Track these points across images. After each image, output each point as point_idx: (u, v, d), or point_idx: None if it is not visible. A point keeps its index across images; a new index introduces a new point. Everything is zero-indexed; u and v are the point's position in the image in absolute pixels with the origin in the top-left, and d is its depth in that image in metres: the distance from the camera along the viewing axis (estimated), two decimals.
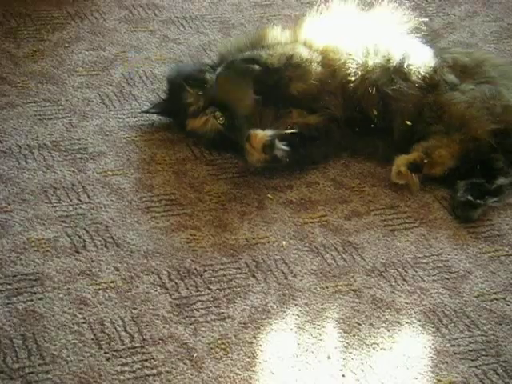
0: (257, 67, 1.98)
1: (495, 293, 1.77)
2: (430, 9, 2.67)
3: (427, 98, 2.03)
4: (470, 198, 1.92)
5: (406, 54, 2.06)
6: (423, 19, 2.18)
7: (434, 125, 2.02)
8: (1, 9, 2.46)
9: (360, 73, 2.02)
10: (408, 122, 2.01)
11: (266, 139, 1.89)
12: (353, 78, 2.02)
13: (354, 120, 2.03)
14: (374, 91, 2.01)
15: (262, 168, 1.97)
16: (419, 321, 1.69)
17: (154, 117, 2.15)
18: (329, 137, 2.02)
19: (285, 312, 1.69)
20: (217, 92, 1.98)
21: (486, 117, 2.00)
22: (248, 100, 1.96)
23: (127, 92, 2.22)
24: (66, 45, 2.37)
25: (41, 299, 1.65)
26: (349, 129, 2.04)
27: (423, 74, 2.03)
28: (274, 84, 1.99)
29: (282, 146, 1.91)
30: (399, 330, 1.67)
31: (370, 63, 2.03)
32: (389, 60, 2.04)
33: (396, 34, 2.11)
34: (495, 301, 1.75)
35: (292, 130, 1.95)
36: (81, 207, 1.87)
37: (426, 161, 1.96)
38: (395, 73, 2.03)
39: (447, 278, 1.79)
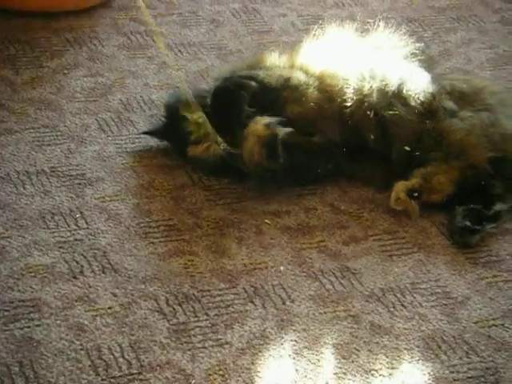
0: (253, 83, 1.99)
1: (494, 319, 1.77)
2: (426, 35, 2.69)
3: (426, 124, 2.04)
4: (468, 223, 1.92)
5: (404, 79, 2.07)
6: (419, 45, 2.20)
7: (432, 151, 2.03)
8: (0, 36, 2.48)
9: (357, 98, 2.03)
10: (407, 148, 2.02)
11: (271, 119, 1.91)
12: (349, 103, 2.03)
13: (351, 145, 2.03)
14: (371, 115, 2.02)
15: (260, 168, 1.94)
16: (418, 347, 1.69)
17: (152, 142, 2.15)
18: (328, 155, 2.02)
19: (283, 338, 1.68)
20: (212, 104, 1.98)
21: (484, 144, 2.01)
22: (243, 113, 1.96)
23: (125, 118, 2.23)
24: (65, 71, 2.38)
25: (38, 325, 1.65)
26: (346, 153, 2.04)
27: (422, 99, 2.04)
28: (270, 104, 2.00)
29: (284, 129, 1.91)
30: (398, 357, 1.67)
31: (368, 88, 2.04)
32: (387, 85, 2.05)
33: (394, 59, 2.12)
34: (494, 327, 1.75)
35: (291, 129, 1.95)
36: (78, 233, 1.87)
37: (424, 187, 1.97)
38: (393, 97, 2.04)
39: (445, 304, 1.79)
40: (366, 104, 2.02)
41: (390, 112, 2.02)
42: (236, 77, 2.03)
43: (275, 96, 2.01)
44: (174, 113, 2.06)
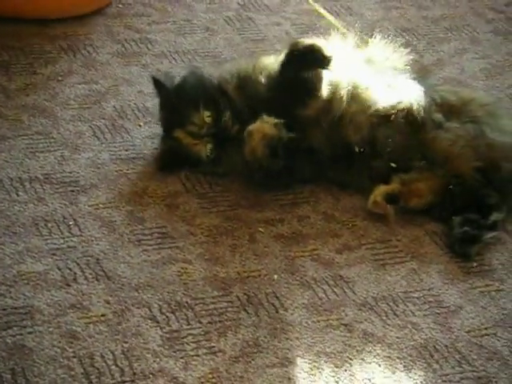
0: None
1: (486, 328, 1.77)
2: (420, 45, 2.70)
3: (413, 137, 2.05)
4: (466, 229, 1.93)
5: (396, 92, 2.07)
6: (414, 56, 2.21)
7: (417, 161, 2.04)
8: None
9: (346, 109, 2.04)
10: (393, 165, 2.04)
11: (276, 120, 1.93)
12: (338, 114, 2.03)
13: (336, 155, 2.04)
14: (360, 129, 2.03)
15: (258, 167, 1.95)
16: (410, 356, 1.69)
17: (146, 150, 2.15)
18: (315, 164, 2.03)
19: (276, 346, 1.68)
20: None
21: (469, 154, 2.02)
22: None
23: (119, 125, 2.23)
24: (59, 78, 2.38)
25: (30, 333, 1.64)
26: (335, 162, 2.05)
27: (413, 114, 2.05)
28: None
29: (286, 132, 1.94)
30: (390, 365, 1.67)
31: (358, 100, 2.04)
32: (378, 97, 2.05)
33: (386, 71, 2.13)
34: (486, 336, 1.75)
35: (293, 134, 1.96)
36: (72, 240, 1.87)
37: (402, 192, 1.98)
38: (384, 111, 2.05)
39: (438, 313, 1.79)
40: (355, 116, 2.03)
41: (379, 129, 2.03)
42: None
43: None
44: (189, 95, 2.04)
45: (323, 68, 2.00)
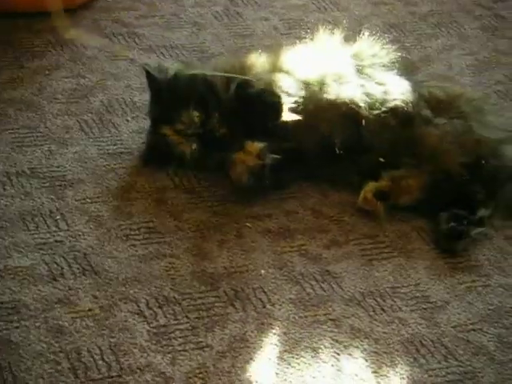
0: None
1: (472, 323, 1.78)
2: (408, 41, 2.70)
3: (401, 133, 2.05)
4: (453, 224, 1.94)
5: (383, 88, 2.08)
6: (401, 53, 2.21)
7: (405, 157, 2.04)
8: None
9: (334, 107, 2.04)
10: (381, 159, 2.04)
11: (262, 146, 1.94)
12: (326, 112, 2.03)
13: (324, 152, 2.04)
14: (347, 126, 2.03)
15: (243, 188, 1.96)
16: (397, 351, 1.70)
17: (134, 145, 2.15)
18: (301, 164, 2.04)
19: (263, 341, 1.68)
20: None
21: (456, 150, 2.03)
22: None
23: (107, 120, 2.22)
24: (46, 72, 2.37)
25: (17, 328, 1.64)
26: (322, 160, 2.05)
27: (401, 109, 2.06)
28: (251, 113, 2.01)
29: (271, 156, 1.95)
30: (377, 360, 1.67)
31: (346, 97, 2.04)
32: (366, 94, 2.06)
33: (374, 68, 2.13)
34: (472, 331, 1.76)
35: (278, 156, 1.97)
36: (59, 235, 1.86)
37: (392, 188, 1.99)
38: (372, 108, 2.05)
39: (425, 308, 1.80)
40: (342, 113, 2.03)
41: (367, 121, 2.03)
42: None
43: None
44: (180, 91, 2.03)
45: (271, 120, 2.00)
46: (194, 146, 2.02)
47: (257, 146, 1.95)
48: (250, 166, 1.94)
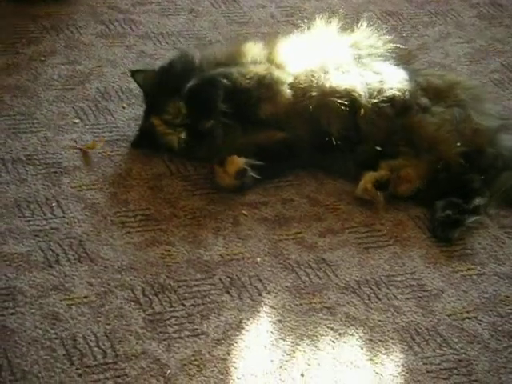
0: (227, 82, 1.99)
1: (467, 311, 1.78)
2: (405, 29, 2.70)
3: (399, 122, 2.05)
4: (449, 212, 1.94)
5: (380, 77, 2.07)
6: (398, 41, 2.21)
7: (403, 146, 2.04)
8: None
9: (331, 95, 2.03)
10: (378, 148, 2.04)
11: (241, 166, 1.95)
12: (322, 101, 2.03)
13: (319, 141, 2.04)
14: (345, 113, 2.02)
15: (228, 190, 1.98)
16: (392, 339, 1.70)
17: (130, 132, 2.14)
18: (294, 154, 2.04)
19: (258, 329, 1.69)
20: (187, 101, 1.98)
21: (454, 138, 2.03)
22: (215, 110, 1.96)
23: (103, 106, 2.22)
24: (42, 58, 2.36)
25: (12, 314, 1.64)
26: (317, 149, 2.05)
27: (398, 98, 2.05)
28: (243, 103, 2.00)
29: (252, 174, 1.96)
30: (372, 348, 1.68)
31: (342, 86, 2.04)
32: (363, 83, 2.05)
33: (371, 57, 2.13)
34: (467, 320, 1.76)
35: (261, 163, 1.98)
36: (55, 221, 1.86)
37: (392, 178, 1.98)
38: (369, 96, 2.04)
39: (420, 297, 1.81)
40: (339, 102, 2.02)
41: (365, 110, 2.03)
42: (211, 75, 2.02)
43: (247, 97, 2.01)
44: (166, 84, 2.03)
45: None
46: (182, 137, 2.01)
47: (236, 165, 1.95)
48: (228, 183, 1.96)
